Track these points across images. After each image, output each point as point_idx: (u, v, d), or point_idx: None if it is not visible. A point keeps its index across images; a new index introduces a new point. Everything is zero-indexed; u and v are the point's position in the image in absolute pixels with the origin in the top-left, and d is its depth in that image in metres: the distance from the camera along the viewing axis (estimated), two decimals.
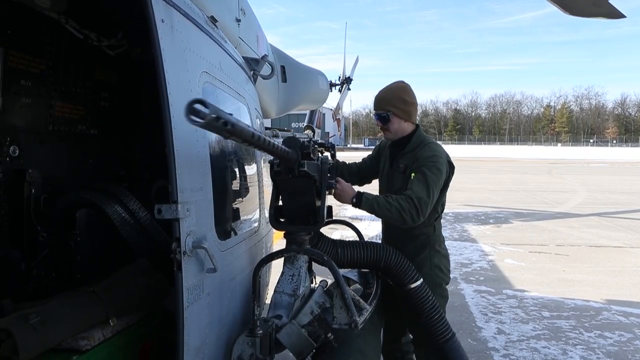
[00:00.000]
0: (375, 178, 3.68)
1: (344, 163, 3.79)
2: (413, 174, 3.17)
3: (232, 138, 1.69)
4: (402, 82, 3.50)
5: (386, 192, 3.40)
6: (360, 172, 3.74)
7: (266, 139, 1.95)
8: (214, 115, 1.47)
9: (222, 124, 1.53)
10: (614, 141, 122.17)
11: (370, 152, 3.83)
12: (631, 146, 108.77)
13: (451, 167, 3.33)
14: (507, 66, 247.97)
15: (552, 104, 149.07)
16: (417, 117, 3.54)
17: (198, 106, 1.43)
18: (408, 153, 3.32)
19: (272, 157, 2.74)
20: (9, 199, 3.21)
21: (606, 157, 58.40)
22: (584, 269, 8.39)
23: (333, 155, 3.62)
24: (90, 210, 3.30)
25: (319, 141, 3.93)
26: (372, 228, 11.21)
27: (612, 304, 6.56)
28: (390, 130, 3.41)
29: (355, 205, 3.13)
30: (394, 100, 3.35)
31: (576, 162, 46.93)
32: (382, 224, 3.64)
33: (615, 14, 4.55)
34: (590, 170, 36.20)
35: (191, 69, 2.33)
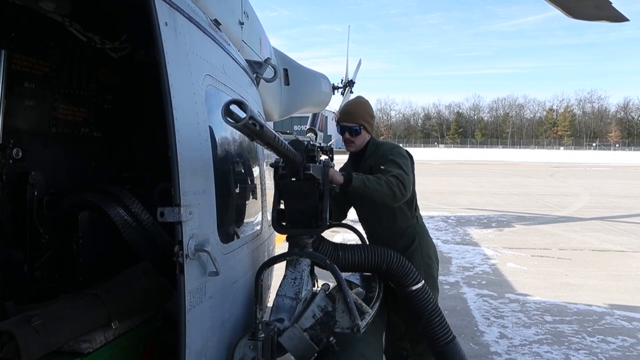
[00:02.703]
0: (350, 206, 3.75)
1: None
2: (382, 167, 3.30)
3: (257, 140, 1.74)
4: (363, 97, 3.75)
5: (364, 210, 3.59)
6: (337, 204, 3.62)
7: (283, 142, 2.01)
8: (249, 118, 1.50)
9: (253, 126, 1.57)
10: (617, 145, 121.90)
11: None
12: (634, 150, 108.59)
13: (411, 158, 3.49)
14: (509, 69, 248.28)
15: (554, 107, 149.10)
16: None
17: (234, 107, 1.46)
18: (369, 157, 3.52)
19: (274, 161, 2.75)
20: (12, 201, 3.21)
21: (609, 161, 58.31)
22: (586, 273, 8.36)
23: (331, 159, 3.64)
24: (92, 213, 3.30)
25: (318, 144, 3.97)
26: None
27: (615, 308, 6.53)
28: (356, 143, 3.57)
29: (345, 184, 3.01)
30: (365, 115, 3.57)
31: (579, 166, 46.85)
32: (366, 228, 3.72)
33: (619, 18, 4.55)
34: (593, 174, 36.13)
35: (194, 72, 2.34)
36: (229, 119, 1.50)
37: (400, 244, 3.44)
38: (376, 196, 3.11)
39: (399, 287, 3.18)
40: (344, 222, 3.84)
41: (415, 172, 3.46)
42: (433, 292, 3.39)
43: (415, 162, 3.52)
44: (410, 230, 3.51)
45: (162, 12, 2.05)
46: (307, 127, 10.54)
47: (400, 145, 3.67)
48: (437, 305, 3.17)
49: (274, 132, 1.86)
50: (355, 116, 3.54)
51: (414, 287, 3.10)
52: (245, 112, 1.53)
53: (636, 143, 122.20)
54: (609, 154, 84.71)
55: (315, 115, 10.74)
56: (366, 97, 3.79)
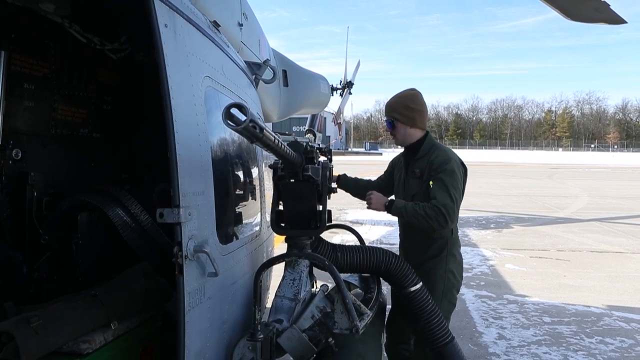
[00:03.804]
0: (391, 194, 3.75)
1: (356, 178, 3.98)
2: (432, 182, 3.28)
3: (257, 142, 1.75)
4: (412, 89, 3.64)
5: (404, 199, 3.52)
6: (377, 188, 3.82)
7: (282, 143, 2.02)
8: (250, 122, 1.52)
9: (254, 129, 1.58)
10: (615, 146, 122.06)
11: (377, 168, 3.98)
12: (632, 151, 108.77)
13: (464, 169, 3.44)
14: (508, 71, 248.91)
15: (553, 108, 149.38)
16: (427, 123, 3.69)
17: (234, 111, 1.47)
18: (421, 158, 3.45)
19: (272, 162, 2.77)
20: (11, 202, 3.21)
21: (607, 162, 58.39)
22: (585, 274, 8.38)
23: (330, 160, 3.66)
24: (91, 213, 3.31)
25: (317, 145, 4.00)
26: (373, 232, 11.20)
27: (614, 309, 6.55)
28: (397, 136, 3.58)
29: (386, 209, 3.34)
30: (398, 107, 3.51)
31: (577, 167, 46.90)
32: (400, 227, 3.72)
33: (617, 20, 4.56)
34: (592, 175, 36.17)
35: (194, 73, 2.34)
36: (229, 122, 1.51)
37: (427, 252, 3.41)
38: (415, 225, 3.28)
39: (397, 288, 3.19)
40: (343, 224, 3.86)
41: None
42: (449, 307, 3.40)
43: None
44: (441, 242, 3.42)
45: (162, 14, 2.06)
46: (306, 128, 10.56)
47: (454, 152, 3.49)
48: (435, 307, 3.16)
49: (273, 134, 1.87)
50: (388, 109, 3.55)
51: (412, 289, 3.11)
52: (245, 115, 1.54)
53: (634, 144, 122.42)
54: (608, 155, 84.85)
55: (314, 117, 10.76)
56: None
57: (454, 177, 3.27)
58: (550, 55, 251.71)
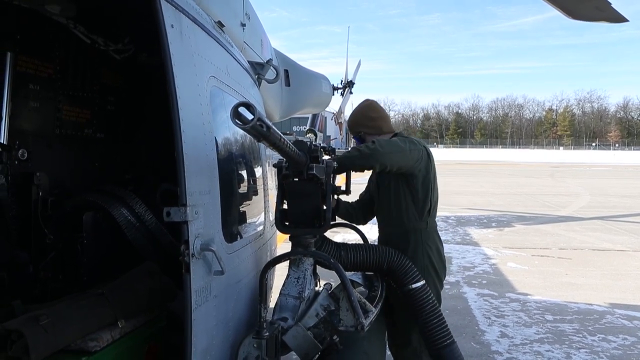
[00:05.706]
0: (372, 206, 3.72)
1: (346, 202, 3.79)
2: None
3: (264, 141, 1.77)
4: (367, 100, 3.73)
5: (378, 207, 3.56)
6: (362, 207, 3.79)
7: (288, 142, 2.03)
8: (257, 120, 1.54)
9: (261, 127, 1.60)
10: (617, 145, 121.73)
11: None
12: (633, 149, 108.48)
13: (429, 154, 3.38)
14: (509, 70, 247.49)
15: (554, 107, 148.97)
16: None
17: (242, 110, 1.50)
18: None
19: (277, 161, 2.78)
20: (17, 202, 3.24)
21: (608, 161, 58.34)
22: (587, 272, 8.39)
23: (334, 160, 3.65)
24: (96, 213, 3.32)
25: (321, 144, 4.00)
26: (374, 231, 11.20)
27: (616, 307, 6.56)
28: None
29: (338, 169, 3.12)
30: (362, 120, 3.59)
31: (578, 166, 46.89)
32: (378, 224, 3.69)
33: (618, 18, 4.56)
34: (593, 173, 36.16)
35: (199, 73, 2.36)
36: (237, 120, 1.53)
37: (401, 245, 3.33)
38: (358, 163, 3.11)
39: (398, 286, 3.17)
40: (346, 222, 3.86)
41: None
42: None
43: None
44: (414, 234, 3.37)
45: (168, 15, 2.07)
46: (307, 127, 10.57)
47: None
48: (437, 307, 3.10)
49: (279, 133, 1.89)
50: (354, 125, 3.63)
51: (413, 286, 3.08)
52: (253, 114, 1.56)
53: (636, 143, 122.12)
54: (609, 154, 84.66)
55: (315, 116, 10.77)
56: (366, 97, 3.79)
57: (398, 142, 3.22)
58: (551, 54, 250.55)
